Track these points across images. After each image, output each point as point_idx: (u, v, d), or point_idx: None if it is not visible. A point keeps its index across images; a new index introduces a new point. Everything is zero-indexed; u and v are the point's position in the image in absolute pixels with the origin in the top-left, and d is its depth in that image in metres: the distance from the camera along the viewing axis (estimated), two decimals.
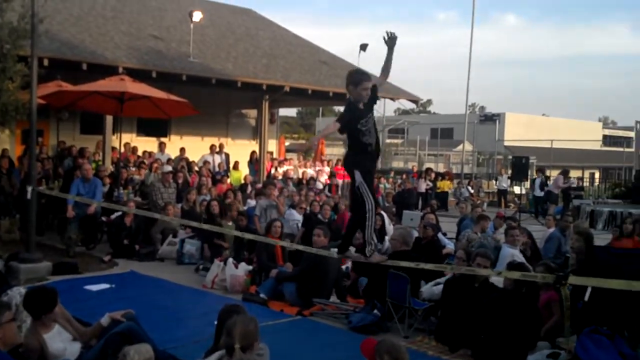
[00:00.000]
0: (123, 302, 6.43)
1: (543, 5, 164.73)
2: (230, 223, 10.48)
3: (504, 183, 24.39)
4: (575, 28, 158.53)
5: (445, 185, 23.57)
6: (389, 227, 11.34)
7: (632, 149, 21.09)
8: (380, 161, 34.88)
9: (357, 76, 5.36)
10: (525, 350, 5.44)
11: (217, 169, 17.47)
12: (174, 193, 12.49)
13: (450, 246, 10.40)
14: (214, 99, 18.80)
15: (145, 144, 18.12)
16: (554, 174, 25.75)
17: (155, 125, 18.68)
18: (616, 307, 5.87)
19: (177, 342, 6.00)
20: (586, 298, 5.93)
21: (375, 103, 5.47)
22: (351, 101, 5.38)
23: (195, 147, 18.33)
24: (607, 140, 48.44)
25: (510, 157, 23.61)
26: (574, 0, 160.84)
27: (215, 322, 4.68)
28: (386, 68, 5.44)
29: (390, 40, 5.33)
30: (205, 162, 16.95)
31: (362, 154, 5.38)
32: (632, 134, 22.53)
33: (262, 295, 8.01)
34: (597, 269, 6.11)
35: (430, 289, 7.20)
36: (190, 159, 17.08)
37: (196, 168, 16.44)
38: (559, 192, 21.87)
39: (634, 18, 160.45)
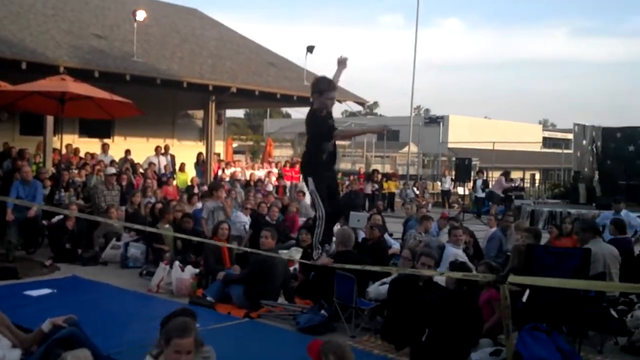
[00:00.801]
0: (65, 308, 6.28)
1: (484, 11, 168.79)
2: (167, 226, 10.30)
3: (447, 184, 24.90)
4: (516, 33, 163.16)
5: (391, 186, 23.87)
6: (335, 229, 11.41)
7: (571, 151, 21.76)
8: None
9: (322, 85, 5.43)
10: (468, 348, 5.57)
11: (162, 171, 17.24)
12: (117, 195, 12.27)
13: (396, 246, 10.56)
14: (159, 100, 18.52)
15: (88, 146, 17.72)
16: (495, 175, 26.42)
17: (98, 126, 18.29)
18: (554, 304, 6.09)
19: (122, 347, 5.90)
20: (525, 297, 6.12)
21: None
22: (314, 110, 5.44)
23: (140, 149, 18.03)
24: (547, 142, 49.91)
25: (454, 158, 24.10)
26: (513, 6, 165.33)
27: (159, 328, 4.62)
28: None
29: (341, 63, 5.57)
30: (150, 164, 16.70)
31: (318, 159, 5.49)
32: (570, 136, 23.28)
33: (209, 299, 7.95)
34: (536, 267, 6.32)
35: (377, 289, 7.29)
36: (135, 161, 16.81)
37: (141, 170, 16.18)
38: (501, 193, 22.46)
39: (570, 24, 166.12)
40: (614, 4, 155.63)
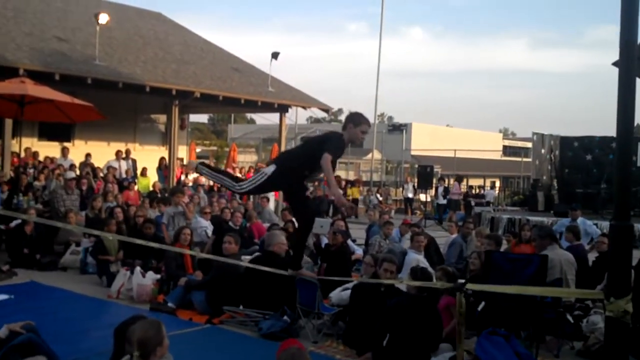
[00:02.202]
0: (23, 314, 6.18)
1: (447, 21, 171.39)
2: (110, 236, 9.97)
3: (410, 191, 25.17)
4: (477, 43, 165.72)
5: (355, 192, 24.02)
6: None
7: (530, 159, 22.21)
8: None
9: (359, 118, 5.50)
10: (428, 353, 5.65)
11: (124, 176, 17.02)
12: (77, 200, 12.08)
13: (359, 252, 10.64)
14: (121, 104, 18.31)
15: (48, 149, 17.38)
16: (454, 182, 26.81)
17: (59, 129, 17.96)
18: (512, 309, 6.22)
19: (81, 353, 5.83)
20: (481, 305, 6.24)
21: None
22: (343, 137, 5.48)
23: (101, 153, 17.77)
24: (507, 150, 50.84)
25: (416, 166, 24.39)
26: (475, 16, 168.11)
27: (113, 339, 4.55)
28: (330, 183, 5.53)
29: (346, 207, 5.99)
30: (110, 168, 16.47)
31: (297, 169, 5.49)
32: (529, 145, 23.76)
33: (170, 305, 7.88)
34: (495, 273, 6.45)
35: (339, 294, 7.34)
36: (96, 165, 16.56)
37: (101, 174, 15.96)
38: (460, 199, 22.87)
39: (530, 35, 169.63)
40: (572, 17, 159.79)
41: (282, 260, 7.32)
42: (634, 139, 16.08)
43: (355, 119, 5.46)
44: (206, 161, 5.71)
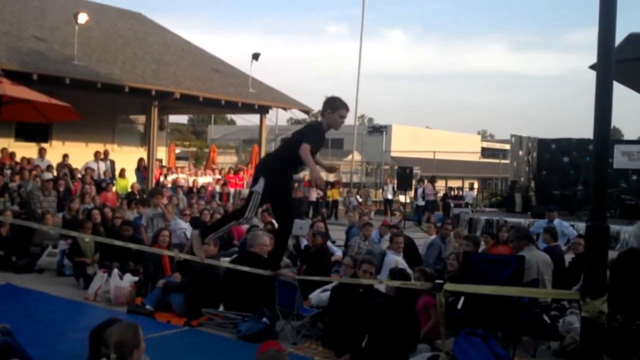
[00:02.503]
0: None
1: (427, 24, 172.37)
2: (87, 238, 9.83)
3: (389, 192, 25.26)
4: (457, 46, 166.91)
5: (335, 194, 24.05)
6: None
7: (508, 161, 22.42)
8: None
9: (336, 102, 5.31)
10: (406, 353, 5.67)
11: (102, 177, 16.85)
12: (54, 201, 11.95)
13: (338, 253, 10.65)
14: (99, 104, 18.15)
15: (25, 150, 17.14)
16: (437, 184, 26.96)
17: (36, 130, 17.77)
18: (489, 310, 6.26)
19: (57, 356, 5.76)
20: (460, 304, 6.27)
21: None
22: (322, 125, 5.33)
23: (78, 154, 17.58)
24: (486, 152, 51.25)
25: (396, 167, 24.52)
26: (455, 19, 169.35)
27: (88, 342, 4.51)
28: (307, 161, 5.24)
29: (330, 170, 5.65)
30: (88, 169, 16.31)
31: (284, 170, 5.37)
32: (508, 147, 23.98)
33: (148, 307, 7.82)
34: (473, 274, 6.49)
35: (318, 296, 7.33)
36: (74, 166, 16.38)
37: (79, 175, 15.79)
38: (439, 200, 23.04)
39: (509, 38, 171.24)
40: (551, 21, 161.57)
41: (264, 262, 7.28)
42: (611, 142, 16.43)
43: (332, 103, 5.29)
44: (209, 224, 5.66)
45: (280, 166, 5.41)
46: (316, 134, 5.27)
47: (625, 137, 61.85)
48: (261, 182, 5.29)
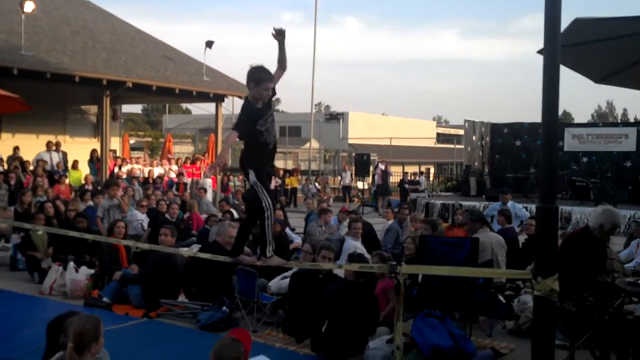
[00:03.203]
0: None
1: (381, 11, 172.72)
2: (39, 232, 9.53)
3: (348, 179, 25.41)
4: (411, 33, 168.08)
5: (293, 182, 24.06)
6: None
7: (462, 146, 22.77)
8: (231, 159, 34.80)
9: (259, 74, 5.02)
10: (366, 337, 5.75)
11: (55, 169, 16.50)
12: (5, 195, 11.67)
13: (297, 241, 10.68)
14: (49, 95, 17.70)
15: None
16: (394, 169, 27.22)
17: None
18: (447, 291, 6.40)
19: (14, 352, 5.66)
20: (418, 286, 6.38)
21: (271, 101, 5.19)
22: (249, 101, 5.08)
23: (29, 146, 17.16)
24: (441, 137, 51.84)
25: (353, 154, 24.65)
26: (408, 7, 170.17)
27: (45, 334, 4.45)
28: (282, 60, 5.13)
29: (279, 35, 5.04)
30: (40, 161, 15.93)
31: (259, 153, 5.11)
32: (461, 132, 24.35)
33: (105, 299, 7.73)
34: (429, 257, 6.61)
35: (278, 283, 7.36)
36: (25, 158, 15.98)
37: (31, 168, 15.42)
38: (397, 186, 23.35)
39: (461, 25, 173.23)
40: (501, 7, 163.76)
41: (225, 253, 7.24)
42: (561, 125, 16.70)
43: (256, 76, 5.01)
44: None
45: (255, 157, 5.17)
46: (243, 115, 5.09)
47: (576, 121, 63.64)
48: (252, 173, 5.13)
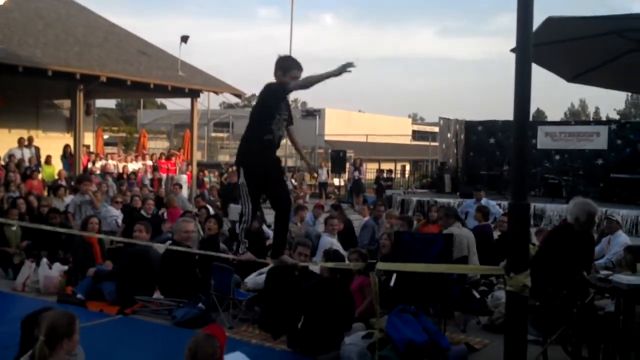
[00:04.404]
0: None
1: (358, 8, 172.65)
2: (13, 227, 9.41)
3: (324, 176, 25.44)
4: (388, 31, 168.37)
5: None
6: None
7: (437, 143, 22.94)
8: (207, 155, 34.62)
9: (287, 62, 4.92)
10: (342, 333, 5.78)
11: (27, 164, 16.27)
12: None
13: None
14: (21, 89, 17.43)
15: None
16: (370, 166, 27.34)
17: None
18: (421, 287, 6.46)
19: None
20: (392, 281, 6.43)
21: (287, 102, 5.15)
22: (274, 86, 4.97)
23: (1, 141, 16.91)
24: (416, 135, 52.10)
25: (330, 150, 24.68)
26: (386, 4, 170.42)
27: (20, 329, 4.40)
28: (311, 81, 4.87)
29: (343, 69, 4.66)
30: (12, 157, 15.70)
31: (256, 144, 4.96)
32: (437, 129, 24.51)
33: (79, 296, 7.65)
34: (404, 253, 6.67)
35: (254, 279, 7.37)
36: None
37: (2, 163, 15.18)
38: (374, 183, 23.47)
39: (439, 23, 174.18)
40: (478, 6, 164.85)
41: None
42: (534, 123, 16.98)
43: (284, 64, 4.89)
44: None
45: (249, 148, 5.05)
46: (271, 95, 4.93)
47: (549, 119, 64.49)
48: (241, 173, 5.00)
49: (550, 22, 6.34)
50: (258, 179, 5.09)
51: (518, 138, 3.98)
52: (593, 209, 5.60)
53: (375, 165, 29.21)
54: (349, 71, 4.65)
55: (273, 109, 4.93)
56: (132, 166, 19.91)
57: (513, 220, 4.02)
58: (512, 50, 4.02)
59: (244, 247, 5.39)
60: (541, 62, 7.34)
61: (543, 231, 7.18)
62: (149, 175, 19.70)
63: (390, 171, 25.58)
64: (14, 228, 9.28)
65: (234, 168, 23.51)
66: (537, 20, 4.48)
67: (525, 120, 3.95)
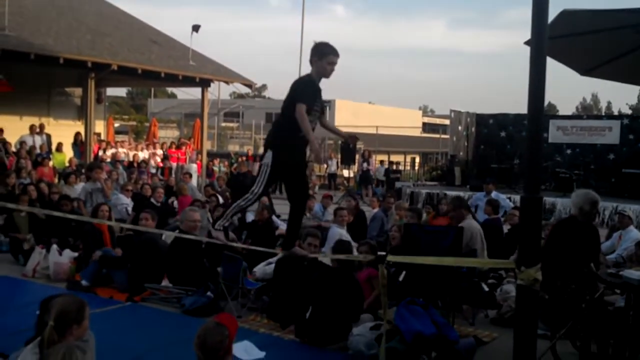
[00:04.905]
0: None
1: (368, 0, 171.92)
2: (23, 213, 9.48)
3: (333, 167, 25.43)
4: (399, 22, 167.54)
5: None
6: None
7: (447, 136, 22.83)
8: (217, 144, 34.67)
9: (322, 48, 4.80)
10: (349, 323, 5.79)
11: (38, 151, 16.36)
12: None
13: (283, 227, 10.68)
14: (33, 76, 17.50)
15: None
16: (379, 158, 27.28)
17: None
18: (430, 280, 6.44)
19: None
20: (402, 276, 6.42)
21: (322, 106, 5.03)
22: (311, 76, 4.86)
23: (13, 128, 16.98)
24: (426, 127, 51.93)
25: (339, 142, 24.64)
26: None
27: (38, 312, 4.43)
28: (329, 128, 5.19)
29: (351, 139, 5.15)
30: (23, 143, 15.79)
31: (291, 137, 4.79)
32: (447, 122, 24.42)
33: (84, 282, 7.68)
34: (414, 245, 6.65)
35: (263, 269, 7.38)
36: (8, 140, 15.82)
37: (13, 149, 15.27)
38: (383, 175, 23.41)
39: (449, 15, 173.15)
40: None
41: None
42: (546, 117, 16.77)
43: (320, 50, 4.78)
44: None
45: (283, 139, 4.89)
46: (307, 88, 4.79)
47: (560, 113, 64.05)
48: (269, 155, 4.87)
49: (565, 15, 6.29)
50: (283, 170, 5.01)
51: (532, 132, 3.95)
52: (594, 197, 5.69)
53: (384, 157, 29.12)
54: (352, 143, 4.86)
55: (314, 98, 4.82)
56: (143, 154, 19.98)
57: (525, 213, 4.00)
58: (527, 43, 3.99)
59: (224, 223, 5.23)
60: (555, 55, 7.28)
61: (548, 225, 7.13)
62: (153, 164, 19.74)
63: (398, 163, 25.54)
64: (23, 214, 9.34)
65: (244, 158, 23.64)
66: (552, 13, 4.44)
67: (539, 114, 3.92)
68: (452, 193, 16.60)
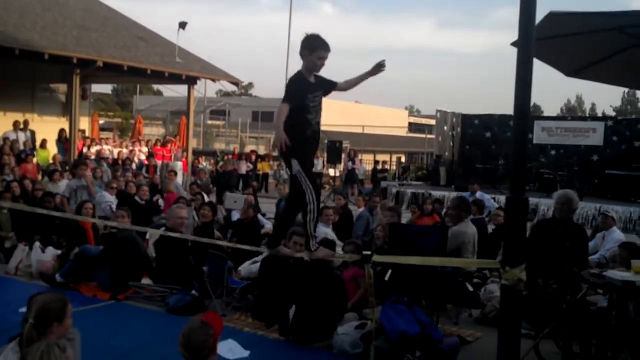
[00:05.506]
0: None
1: None
2: (5, 210, 9.36)
3: (320, 166, 25.43)
4: (386, 22, 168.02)
5: (265, 167, 24.00)
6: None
7: (433, 136, 22.92)
8: (203, 143, 34.54)
9: (313, 42, 4.65)
10: (334, 323, 5.79)
11: (22, 148, 16.21)
12: None
13: (268, 226, 10.67)
14: (18, 72, 17.32)
15: None
16: (365, 157, 27.33)
17: None
18: (415, 279, 6.46)
19: None
20: (388, 276, 6.42)
21: (327, 88, 4.88)
22: (301, 73, 4.73)
23: None
24: (413, 127, 52.11)
25: (326, 141, 24.68)
26: None
27: (23, 310, 4.38)
28: (353, 83, 4.91)
29: (378, 68, 4.76)
30: (7, 140, 15.63)
31: (301, 137, 4.66)
32: (433, 122, 24.51)
33: (58, 279, 7.59)
34: (399, 245, 6.66)
35: (248, 268, 7.36)
36: None
37: None
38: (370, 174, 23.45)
39: (437, 15, 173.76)
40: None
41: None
42: (531, 118, 16.85)
43: (310, 44, 4.64)
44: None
45: (292, 136, 4.65)
46: (294, 86, 4.68)
47: (545, 114, 64.55)
48: (294, 164, 4.72)
49: (552, 17, 6.32)
50: (309, 169, 4.89)
51: (518, 133, 3.97)
52: (570, 193, 5.87)
53: (370, 157, 29.21)
54: (383, 70, 4.76)
55: (307, 93, 4.72)
56: (126, 152, 19.87)
57: (510, 214, 4.02)
58: (513, 44, 4.01)
59: (315, 242, 4.95)
60: (541, 56, 7.32)
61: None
62: (136, 160, 19.62)
63: (385, 163, 25.61)
64: (5, 211, 9.23)
65: (230, 156, 23.56)
66: (539, 15, 4.46)
67: (525, 115, 3.94)
68: (437, 193, 16.67)
